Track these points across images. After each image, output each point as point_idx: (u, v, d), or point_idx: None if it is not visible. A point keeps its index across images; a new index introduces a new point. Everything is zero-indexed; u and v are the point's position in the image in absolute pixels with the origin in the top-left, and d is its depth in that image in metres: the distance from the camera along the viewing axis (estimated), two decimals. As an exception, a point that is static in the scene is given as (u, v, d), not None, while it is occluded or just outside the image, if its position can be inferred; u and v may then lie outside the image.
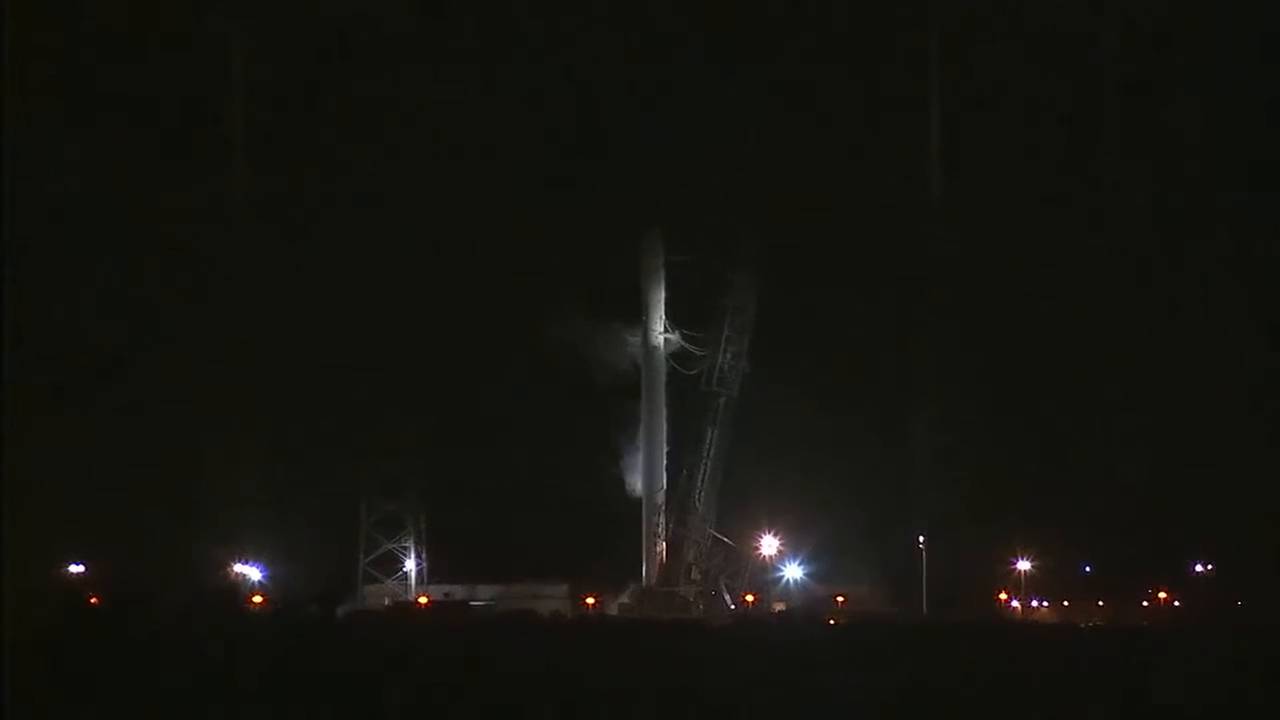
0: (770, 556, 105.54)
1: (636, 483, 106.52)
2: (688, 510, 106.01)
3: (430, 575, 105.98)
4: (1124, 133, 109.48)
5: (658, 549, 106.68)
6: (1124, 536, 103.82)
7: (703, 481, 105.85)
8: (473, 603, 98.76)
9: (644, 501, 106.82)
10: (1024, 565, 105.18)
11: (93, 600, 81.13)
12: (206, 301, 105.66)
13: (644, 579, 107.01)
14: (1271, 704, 45.67)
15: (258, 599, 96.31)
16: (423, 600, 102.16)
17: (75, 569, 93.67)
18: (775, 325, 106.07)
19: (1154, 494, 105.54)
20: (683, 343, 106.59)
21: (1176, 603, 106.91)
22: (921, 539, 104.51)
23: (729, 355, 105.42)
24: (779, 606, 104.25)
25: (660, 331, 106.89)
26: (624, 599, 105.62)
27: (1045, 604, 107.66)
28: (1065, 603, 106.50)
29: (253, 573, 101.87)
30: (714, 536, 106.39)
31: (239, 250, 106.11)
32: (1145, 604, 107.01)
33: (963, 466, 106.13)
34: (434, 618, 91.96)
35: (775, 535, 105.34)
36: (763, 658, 56.72)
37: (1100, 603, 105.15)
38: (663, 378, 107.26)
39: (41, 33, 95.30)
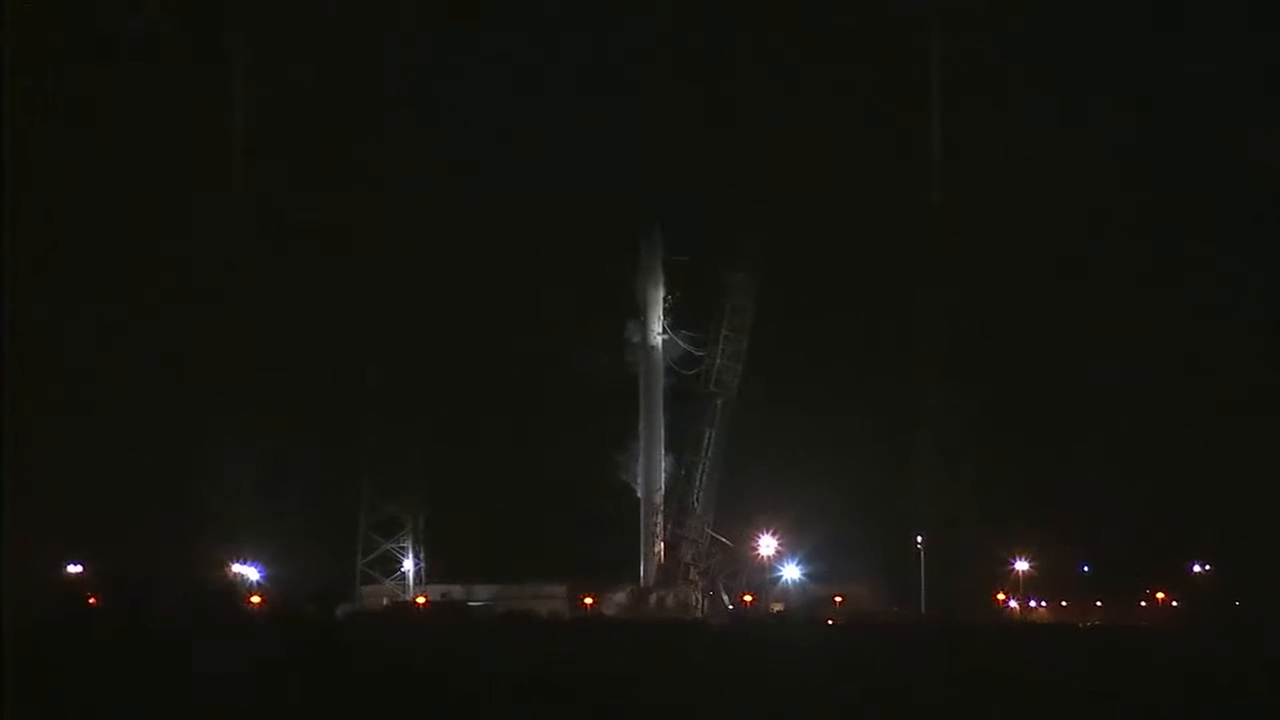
0: (768, 557, 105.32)
1: (635, 483, 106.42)
2: (686, 511, 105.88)
3: (428, 576, 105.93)
4: (1123, 134, 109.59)
5: (656, 549, 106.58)
6: (1123, 536, 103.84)
7: (701, 482, 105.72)
8: (470, 603, 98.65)
9: (642, 502, 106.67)
10: (1022, 565, 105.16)
11: (91, 600, 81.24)
12: (206, 301, 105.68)
13: (642, 579, 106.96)
14: (1271, 705, 45.68)
15: (256, 599, 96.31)
16: (421, 600, 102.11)
17: (74, 569, 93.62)
18: (774, 326, 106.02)
19: (1154, 494, 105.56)
20: (681, 343, 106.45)
21: (1175, 603, 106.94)
22: (920, 539, 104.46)
23: (727, 356, 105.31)
24: (777, 607, 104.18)
25: (658, 332, 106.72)
26: (622, 599, 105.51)
27: (1044, 604, 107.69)
28: (1064, 603, 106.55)
29: (251, 572, 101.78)
30: (712, 537, 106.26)
31: (239, 250, 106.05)
32: (1144, 604, 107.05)
33: (962, 466, 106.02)
34: (433, 618, 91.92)
35: (773, 535, 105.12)
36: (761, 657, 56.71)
37: (1099, 603, 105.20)
38: (661, 378, 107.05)
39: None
